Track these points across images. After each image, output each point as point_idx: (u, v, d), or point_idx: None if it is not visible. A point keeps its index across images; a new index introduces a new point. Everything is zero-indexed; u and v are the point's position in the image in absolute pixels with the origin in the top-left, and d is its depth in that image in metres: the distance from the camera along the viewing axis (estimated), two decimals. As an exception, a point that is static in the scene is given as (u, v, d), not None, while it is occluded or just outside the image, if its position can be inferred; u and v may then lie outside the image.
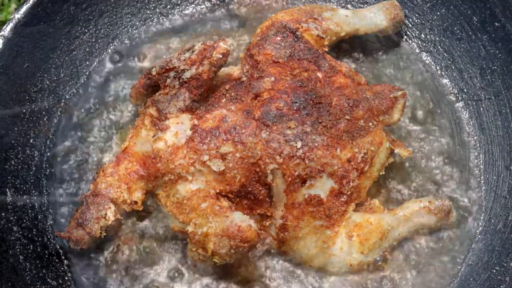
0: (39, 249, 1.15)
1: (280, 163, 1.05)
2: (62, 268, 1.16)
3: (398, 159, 1.22)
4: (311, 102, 1.09)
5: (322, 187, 1.07)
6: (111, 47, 1.33)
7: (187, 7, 1.38)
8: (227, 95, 1.13)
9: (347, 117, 1.10)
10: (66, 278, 1.16)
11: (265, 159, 1.05)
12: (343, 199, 1.09)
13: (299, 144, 1.06)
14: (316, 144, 1.06)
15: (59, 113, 1.27)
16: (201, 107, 1.13)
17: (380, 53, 1.33)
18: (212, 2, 1.37)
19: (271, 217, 1.10)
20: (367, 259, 1.12)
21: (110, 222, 1.12)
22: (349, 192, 1.09)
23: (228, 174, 1.06)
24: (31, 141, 1.21)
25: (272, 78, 1.12)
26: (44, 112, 1.24)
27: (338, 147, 1.07)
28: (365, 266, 1.13)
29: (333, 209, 1.09)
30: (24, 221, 1.15)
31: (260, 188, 1.08)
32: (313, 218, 1.09)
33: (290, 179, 1.06)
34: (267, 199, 1.09)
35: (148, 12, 1.36)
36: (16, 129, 1.19)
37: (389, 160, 1.15)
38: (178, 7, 1.38)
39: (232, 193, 1.08)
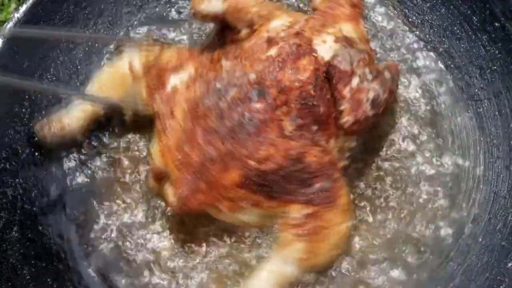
0: (39, 249, 1.15)
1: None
2: (62, 268, 1.16)
3: (397, 159, 1.23)
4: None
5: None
6: (111, 47, 1.33)
7: (186, 7, 1.38)
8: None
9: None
10: (66, 278, 1.16)
11: None
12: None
13: None
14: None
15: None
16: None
17: (379, 53, 1.33)
18: None
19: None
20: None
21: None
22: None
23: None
24: (31, 140, 1.21)
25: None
26: (44, 112, 1.24)
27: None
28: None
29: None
30: (24, 221, 1.15)
31: None
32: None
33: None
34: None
35: (148, 12, 1.36)
36: (16, 129, 1.19)
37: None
38: (176, 6, 1.38)
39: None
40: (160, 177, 1.13)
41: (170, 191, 1.11)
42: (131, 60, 1.18)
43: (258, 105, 1.06)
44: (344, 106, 1.08)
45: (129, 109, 1.19)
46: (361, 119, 1.09)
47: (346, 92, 1.08)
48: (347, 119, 1.09)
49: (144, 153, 1.25)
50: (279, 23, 1.14)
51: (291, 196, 1.07)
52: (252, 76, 1.07)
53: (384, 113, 1.16)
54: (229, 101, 1.06)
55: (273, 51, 1.10)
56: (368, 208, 1.20)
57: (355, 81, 1.09)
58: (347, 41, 1.12)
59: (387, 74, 1.15)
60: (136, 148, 1.25)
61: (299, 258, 1.07)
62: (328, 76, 1.09)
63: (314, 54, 1.10)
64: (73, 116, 1.20)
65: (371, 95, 1.10)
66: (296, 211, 1.07)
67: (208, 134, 1.07)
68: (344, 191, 1.10)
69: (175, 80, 1.14)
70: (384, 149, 1.25)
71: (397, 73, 1.21)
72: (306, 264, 1.09)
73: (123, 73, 1.19)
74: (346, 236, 1.12)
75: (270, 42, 1.11)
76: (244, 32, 1.15)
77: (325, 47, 1.10)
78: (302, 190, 1.07)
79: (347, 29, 1.16)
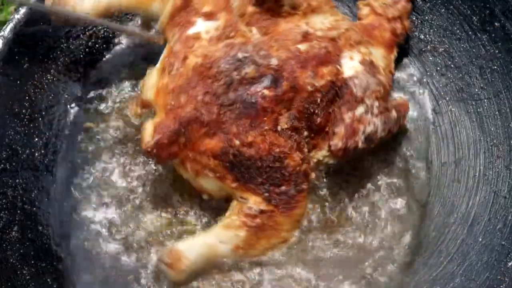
0: (38, 249, 1.15)
1: None
2: (62, 268, 1.16)
3: (397, 163, 1.23)
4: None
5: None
6: (111, 47, 1.33)
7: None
8: None
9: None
10: (66, 278, 1.16)
11: None
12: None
13: None
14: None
15: (58, 113, 1.27)
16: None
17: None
18: None
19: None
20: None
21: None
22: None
23: None
24: (31, 141, 1.22)
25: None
26: (43, 113, 1.24)
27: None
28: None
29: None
30: (24, 221, 1.15)
31: None
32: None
33: None
34: None
35: (147, 11, 1.36)
36: (16, 129, 1.19)
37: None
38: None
39: None
40: (146, 108, 1.14)
41: (149, 130, 1.09)
42: None
43: (266, 92, 1.06)
44: (339, 129, 1.08)
45: (141, 36, 1.19)
46: (350, 148, 1.08)
47: (347, 116, 1.08)
48: (336, 142, 1.08)
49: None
50: (321, 19, 1.13)
51: (255, 187, 1.07)
52: (274, 61, 1.07)
53: (375, 148, 1.16)
54: (243, 76, 1.06)
55: (303, 46, 1.10)
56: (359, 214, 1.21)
57: (360, 109, 1.08)
58: (371, 67, 1.12)
59: (393, 114, 1.14)
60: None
61: (237, 245, 1.09)
62: (340, 93, 1.09)
63: (338, 66, 1.10)
64: (86, 7, 1.18)
65: (369, 129, 1.09)
66: (254, 203, 1.08)
67: (209, 96, 1.06)
68: (304, 204, 1.11)
69: (201, 26, 1.12)
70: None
71: (404, 116, 1.20)
72: (239, 252, 1.10)
73: None
74: (287, 243, 1.13)
75: (305, 36, 1.10)
76: (286, 8, 1.13)
77: (350, 64, 1.10)
78: (268, 187, 1.07)
79: (378, 54, 1.16)
